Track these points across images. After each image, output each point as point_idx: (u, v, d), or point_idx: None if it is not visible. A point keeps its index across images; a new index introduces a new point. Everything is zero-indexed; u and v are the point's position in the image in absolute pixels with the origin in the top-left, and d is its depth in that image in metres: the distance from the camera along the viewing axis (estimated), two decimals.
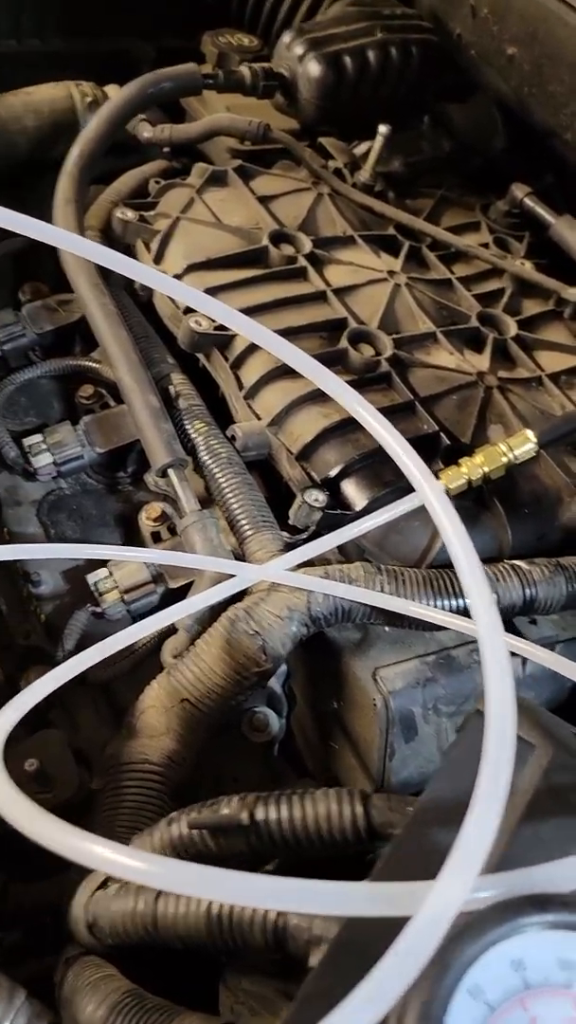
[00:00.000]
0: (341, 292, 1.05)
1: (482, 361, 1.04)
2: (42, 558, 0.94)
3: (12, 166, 1.24)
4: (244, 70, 1.17)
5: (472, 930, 0.34)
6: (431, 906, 0.34)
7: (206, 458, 0.91)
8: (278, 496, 0.94)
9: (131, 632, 0.74)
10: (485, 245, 1.21)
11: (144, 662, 0.88)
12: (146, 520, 0.94)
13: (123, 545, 0.97)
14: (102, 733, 0.87)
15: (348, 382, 0.93)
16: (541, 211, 1.22)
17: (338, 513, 0.86)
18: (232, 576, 0.81)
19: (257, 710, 0.87)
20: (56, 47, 1.33)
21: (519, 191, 1.24)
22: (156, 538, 0.94)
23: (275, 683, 0.88)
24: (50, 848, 0.40)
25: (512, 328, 1.10)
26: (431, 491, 0.59)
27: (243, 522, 0.87)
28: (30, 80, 1.27)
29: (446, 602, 0.80)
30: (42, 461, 0.96)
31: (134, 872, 0.37)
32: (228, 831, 0.54)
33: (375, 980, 0.32)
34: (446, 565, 0.86)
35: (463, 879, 0.34)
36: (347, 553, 0.88)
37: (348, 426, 0.91)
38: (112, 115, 1.08)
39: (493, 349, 1.06)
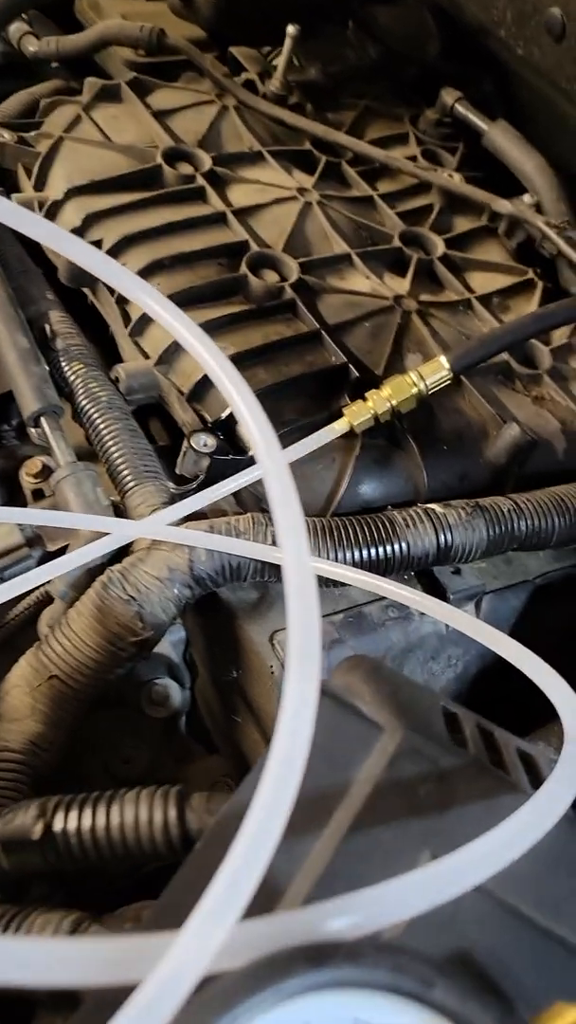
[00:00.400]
0: (243, 213, 0.94)
1: (403, 284, 0.94)
2: None
3: None
4: None
5: (222, 998, 0.25)
6: (166, 968, 0.25)
7: (84, 403, 0.81)
8: (175, 447, 0.84)
9: None
10: (413, 158, 1.09)
11: (20, 635, 0.78)
12: (26, 476, 0.84)
13: (5, 503, 0.87)
14: None
15: (248, 311, 0.85)
16: (474, 118, 1.11)
17: (230, 459, 0.76)
18: (106, 534, 0.71)
19: (157, 682, 0.78)
20: None
21: (449, 97, 1.12)
22: (38, 495, 0.84)
23: (173, 651, 0.80)
24: None
25: (439, 247, 0.99)
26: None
27: (125, 473, 0.77)
28: None
29: (349, 554, 0.71)
30: None
31: None
32: (21, 846, 0.44)
33: None
34: (355, 512, 0.76)
35: (213, 929, 0.25)
36: (244, 504, 0.78)
37: (245, 360, 0.81)
38: None
39: (416, 271, 0.95)
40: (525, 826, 0.32)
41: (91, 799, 0.46)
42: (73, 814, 0.45)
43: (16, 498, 0.89)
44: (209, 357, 0.50)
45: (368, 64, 1.19)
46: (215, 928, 0.25)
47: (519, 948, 0.33)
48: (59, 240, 0.57)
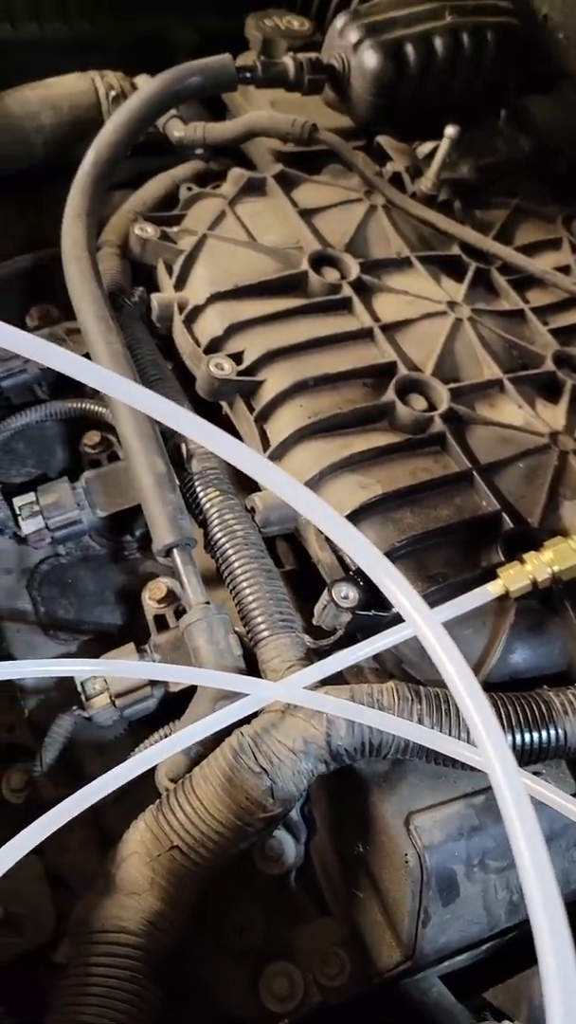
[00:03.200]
0: (391, 329, 0.89)
1: (557, 416, 0.87)
2: (33, 641, 0.81)
3: (28, 168, 1.10)
4: (288, 61, 1.00)
5: None
6: None
7: (219, 535, 0.77)
8: (308, 571, 0.80)
9: (117, 774, 0.60)
10: (566, 268, 1.03)
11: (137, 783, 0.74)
12: (150, 600, 0.80)
13: (121, 626, 0.84)
14: (89, 857, 0.75)
15: (394, 444, 0.80)
16: None
17: (372, 615, 0.71)
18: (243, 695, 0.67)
19: (273, 835, 0.74)
20: (82, 30, 1.17)
21: None
22: (160, 623, 0.80)
23: (290, 845, 0.74)
24: None
25: None
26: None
27: (258, 620, 0.73)
28: (54, 69, 1.13)
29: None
30: (32, 527, 0.83)
31: None
32: None
33: None
34: (503, 684, 0.70)
35: None
36: (384, 664, 0.73)
37: (393, 501, 0.76)
38: (132, 117, 0.93)
39: (571, 399, 0.89)
40: None
41: None
42: None
43: (135, 618, 0.85)
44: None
45: (520, 157, 1.14)
46: None
47: None
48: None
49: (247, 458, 0.54)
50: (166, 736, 0.70)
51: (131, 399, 0.51)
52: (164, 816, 0.66)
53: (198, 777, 0.66)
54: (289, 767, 0.65)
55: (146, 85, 0.96)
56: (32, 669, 0.63)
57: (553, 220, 1.10)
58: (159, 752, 0.62)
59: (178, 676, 0.68)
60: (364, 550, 0.54)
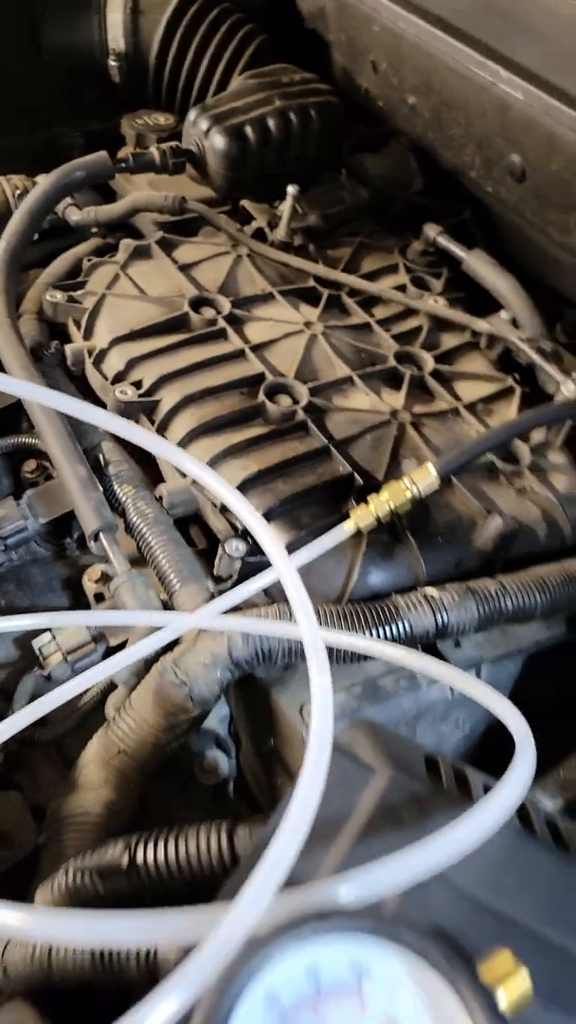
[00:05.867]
0: (259, 348, 1.11)
1: (398, 398, 1.09)
2: None
3: None
4: (153, 151, 1.24)
5: (259, 947, 0.39)
6: (222, 931, 0.38)
7: (134, 518, 0.97)
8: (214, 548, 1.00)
9: (65, 689, 0.80)
10: (403, 286, 1.27)
11: (91, 717, 0.93)
12: (88, 582, 1.00)
13: (70, 607, 1.03)
14: (62, 788, 0.93)
15: (266, 433, 1.01)
16: (454, 248, 1.28)
17: (257, 561, 0.91)
18: (160, 627, 0.86)
19: (207, 753, 0.92)
20: None
21: (431, 230, 1.29)
22: (99, 598, 0.99)
23: (220, 726, 0.93)
24: None
25: (429, 363, 1.15)
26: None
27: (171, 576, 0.93)
28: None
29: (360, 634, 0.85)
30: None
31: None
32: (111, 873, 0.58)
33: (158, 995, 0.36)
34: (365, 599, 0.91)
35: (255, 904, 0.39)
36: (274, 598, 0.93)
37: (266, 475, 0.97)
38: (31, 209, 1.16)
39: (410, 385, 1.11)
40: (475, 824, 0.46)
41: (163, 834, 0.59)
42: (150, 846, 0.59)
43: (80, 600, 1.04)
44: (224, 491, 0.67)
45: (361, 204, 1.38)
46: (257, 902, 0.39)
47: (477, 924, 0.46)
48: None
49: (149, 440, 0.76)
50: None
51: (53, 403, 0.73)
52: (111, 730, 0.84)
53: (134, 697, 0.85)
54: (203, 677, 0.84)
55: (40, 184, 1.19)
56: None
57: (391, 251, 1.35)
58: (98, 673, 0.81)
59: (111, 620, 0.88)
60: (235, 501, 0.76)
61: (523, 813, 0.55)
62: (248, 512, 0.83)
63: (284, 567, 0.77)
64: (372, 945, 0.40)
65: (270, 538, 0.79)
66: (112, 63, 1.44)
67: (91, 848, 0.77)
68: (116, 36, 1.42)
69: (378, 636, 0.84)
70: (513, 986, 0.40)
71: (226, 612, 0.87)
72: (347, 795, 0.51)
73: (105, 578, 1.00)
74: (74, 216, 1.28)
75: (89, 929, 0.40)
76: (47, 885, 0.65)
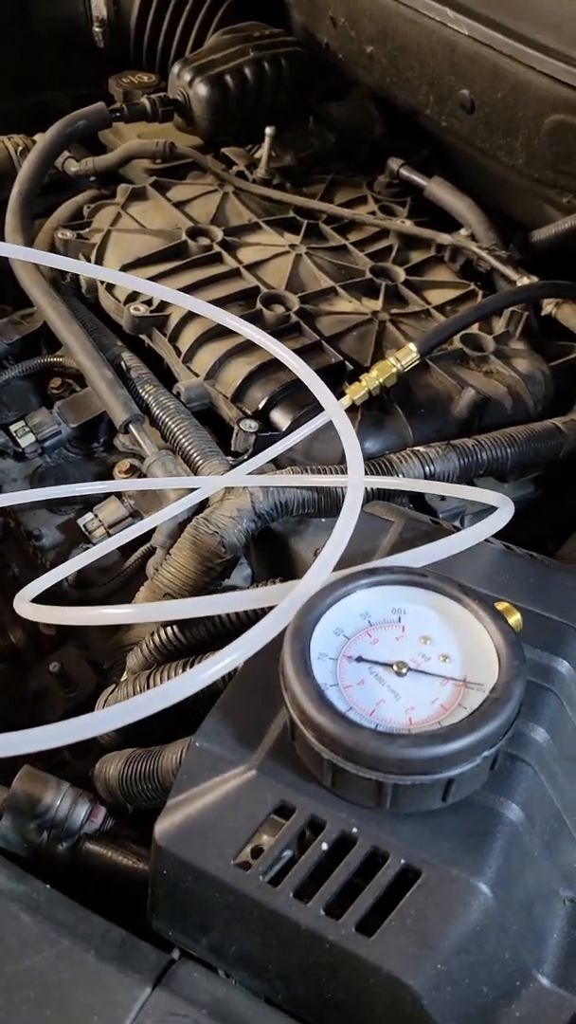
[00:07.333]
0: (252, 267, 1.26)
1: (377, 304, 1.25)
2: (41, 518, 1.14)
3: None
4: (144, 101, 1.39)
5: (326, 591, 0.54)
6: (300, 587, 0.54)
7: (158, 412, 1.12)
8: (226, 440, 1.15)
9: (108, 543, 0.95)
10: (372, 213, 1.42)
11: (134, 579, 1.07)
12: (118, 473, 1.15)
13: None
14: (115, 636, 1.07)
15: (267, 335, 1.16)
16: (415, 177, 1.44)
17: (268, 435, 1.07)
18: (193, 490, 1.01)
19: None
20: None
21: (394, 163, 1.45)
22: None
23: (243, 584, 1.08)
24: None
25: (401, 275, 1.31)
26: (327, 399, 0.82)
27: (194, 455, 1.07)
28: None
29: None
30: (27, 441, 1.17)
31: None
32: (193, 624, 0.74)
33: (265, 622, 0.51)
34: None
35: (320, 571, 0.54)
36: (281, 466, 1.08)
37: (268, 368, 1.12)
38: (40, 156, 1.30)
39: (386, 294, 1.27)
40: (472, 533, 0.62)
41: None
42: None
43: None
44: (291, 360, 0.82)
45: (329, 148, 1.53)
46: (321, 571, 0.54)
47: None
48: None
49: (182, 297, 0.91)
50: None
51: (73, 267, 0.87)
52: (155, 580, 0.99)
53: (174, 551, 1.00)
54: (232, 527, 0.99)
55: (46, 133, 1.33)
56: (38, 493, 0.97)
57: (360, 185, 1.50)
58: (137, 529, 0.96)
59: (154, 485, 1.02)
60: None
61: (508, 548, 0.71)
62: (288, 354, 0.98)
63: (333, 408, 0.94)
64: (408, 591, 0.55)
65: (318, 381, 0.96)
66: (96, 29, 1.58)
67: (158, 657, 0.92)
68: (99, 4, 1.57)
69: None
70: (514, 619, 0.56)
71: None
72: (373, 537, 0.67)
73: (133, 470, 1.14)
74: (73, 167, 1.42)
75: (187, 607, 0.55)
76: (136, 652, 0.80)
